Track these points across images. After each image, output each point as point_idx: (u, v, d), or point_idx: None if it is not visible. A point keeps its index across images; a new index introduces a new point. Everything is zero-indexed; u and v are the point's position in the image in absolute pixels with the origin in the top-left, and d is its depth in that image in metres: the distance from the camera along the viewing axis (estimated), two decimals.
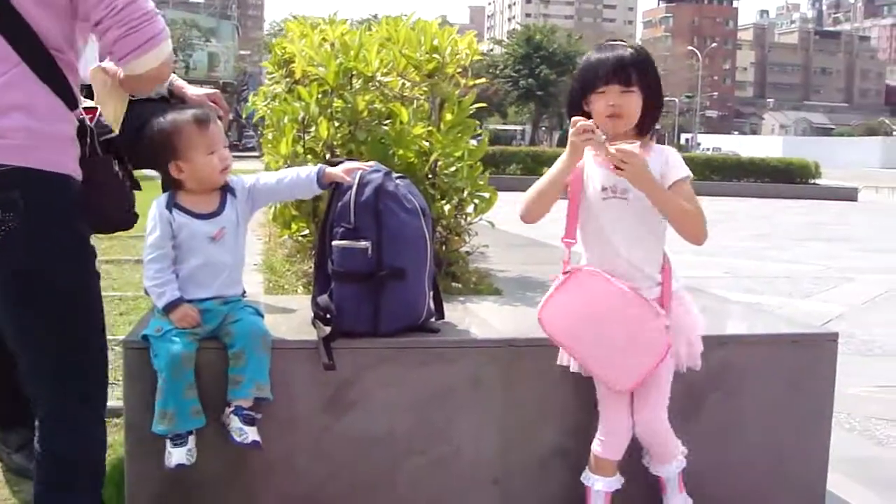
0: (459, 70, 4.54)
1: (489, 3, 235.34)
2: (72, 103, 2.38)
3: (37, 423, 2.59)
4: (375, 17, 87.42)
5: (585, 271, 2.91)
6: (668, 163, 2.83)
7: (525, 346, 3.12)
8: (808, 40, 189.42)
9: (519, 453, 3.14)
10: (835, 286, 10.53)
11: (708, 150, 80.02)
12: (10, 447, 3.65)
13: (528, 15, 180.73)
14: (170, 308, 2.88)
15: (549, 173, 2.92)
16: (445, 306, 3.36)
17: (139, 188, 2.75)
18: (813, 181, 34.12)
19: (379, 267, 3.01)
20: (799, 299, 9.42)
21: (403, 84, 4.30)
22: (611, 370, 2.86)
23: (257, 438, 2.81)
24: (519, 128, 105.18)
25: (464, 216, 4.41)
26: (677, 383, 3.01)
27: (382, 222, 3.02)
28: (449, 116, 4.39)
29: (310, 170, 3.15)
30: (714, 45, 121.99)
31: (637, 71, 2.86)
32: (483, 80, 4.63)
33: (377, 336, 3.05)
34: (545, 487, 3.16)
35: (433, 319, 3.24)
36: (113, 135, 2.64)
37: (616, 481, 2.98)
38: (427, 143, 4.15)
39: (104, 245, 9.68)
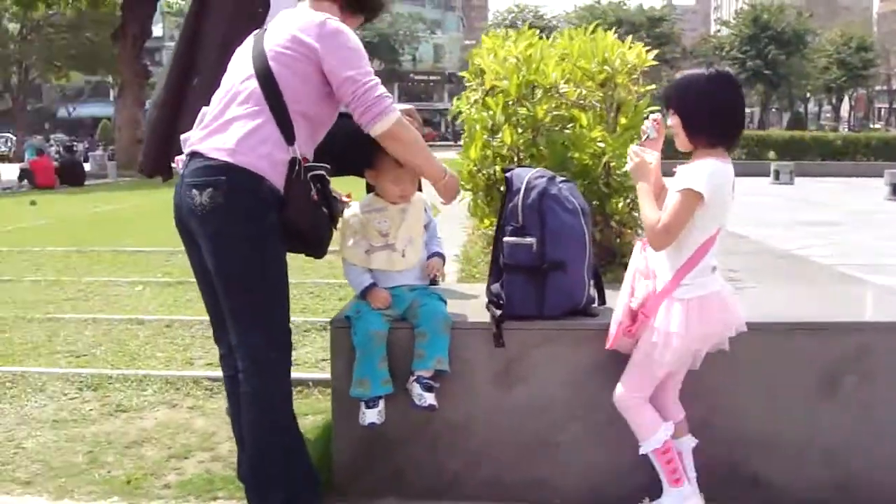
0: (634, 77, 4.95)
1: None
2: (290, 139, 3.12)
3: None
4: (599, 2, 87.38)
5: None
6: (689, 173, 3.14)
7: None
8: None
9: None
10: None
11: None
12: None
13: None
14: (366, 292, 3.51)
15: (650, 203, 3.28)
16: (612, 293, 3.78)
17: (335, 224, 3.36)
18: None
19: (542, 260, 3.49)
20: None
21: (580, 92, 4.75)
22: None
23: (434, 403, 3.38)
24: (748, 111, 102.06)
25: (637, 211, 4.82)
26: (812, 365, 3.39)
27: (546, 221, 3.50)
28: (623, 120, 4.82)
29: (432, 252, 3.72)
30: None
31: (669, 99, 3.29)
32: (654, 86, 4.99)
33: (542, 319, 3.55)
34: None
35: (595, 304, 3.71)
36: (324, 174, 3.27)
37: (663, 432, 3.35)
38: (601, 146, 4.58)
39: None
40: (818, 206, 18.78)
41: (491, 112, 4.77)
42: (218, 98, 3.26)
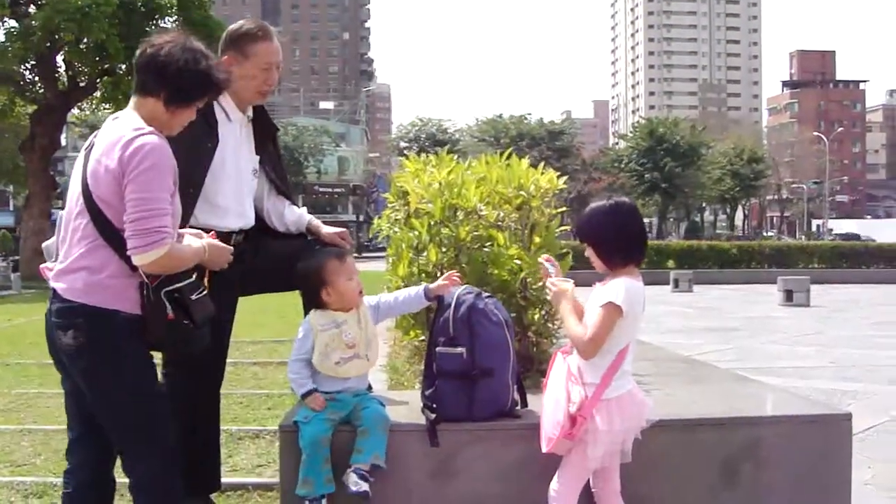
0: (547, 199, 5.45)
1: (613, 98, 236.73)
2: (133, 266, 3.30)
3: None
4: (500, 116, 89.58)
5: None
6: (608, 290, 3.59)
7: None
8: None
9: None
10: None
11: (839, 236, 78.44)
12: None
13: (651, 107, 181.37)
14: (305, 396, 3.89)
15: (574, 320, 3.71)
16: (532, 397, 4.19)
17: (197, 325, 3.47)
18: None
19: (472, 367, 3.90)
20: None
21: (498, 214, 5.21)
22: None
23: (367, 490, 3.67)
24: (646, 220, 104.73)
25: (552, 322, 5.26)
26: (713, 456, 3.86)
27: (475, 332, 3.93)
28: (538, 239, 5.29)
29: (418, 288, 4.20)
30: (841, 128, 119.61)
31: (581, 234, 3.78)
32: (564, 208, 5.51)
33: (472, 420, 3.95)
34: None
35: (518, 407, 4.12)
36: (181, 284, 3.42)
37: None
38: (518, 263, 5.03)
39: (250, 349, 10.85)
40: (716, 313, 19.59)
41: (416, 232, 5.19)
42: (63, 222, 3.46)
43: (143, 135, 3.27)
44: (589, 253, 3.76)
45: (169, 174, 3.31)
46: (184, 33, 3.54)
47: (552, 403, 3.69)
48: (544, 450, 3.71)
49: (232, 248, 3.80)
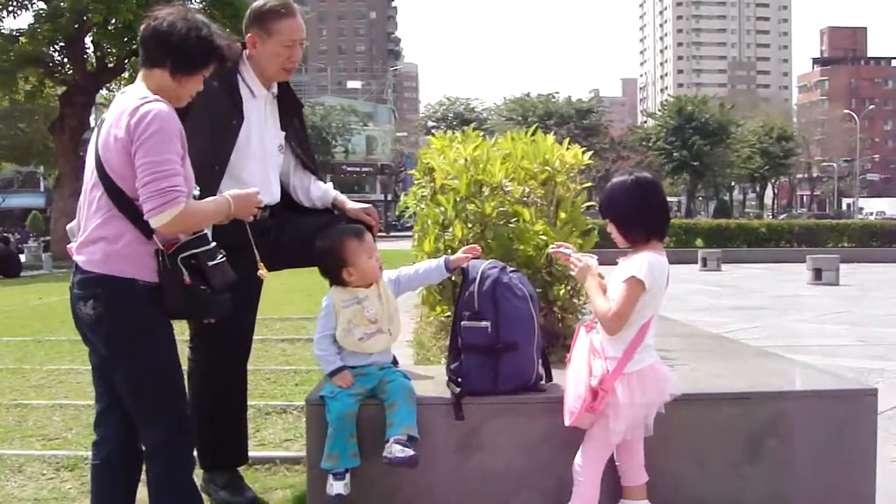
0: (572, 175, 5.44)
1: (641, 76, 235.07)
2: (147, 232, 3.36)
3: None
4: (528, 95, 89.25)
5: None
6: (631, 265, 3.63)
7: None
8: None
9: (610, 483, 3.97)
10: None
11: (871, 214, 77.75)
12: (218, 485, 4.64)
13: (680, 85, 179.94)
14: (334, 373, 3.91)
15: (600, 296, 3.74)
16: (557, 372, 4.21)
17: (214, 291, 3.47)
18: None
19: (497, 341, 3.92)
20: None
21: (523, 190, 5.22)
22: None
23: (415, 453, 3.67)
24: (674, 199, 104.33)
25: (577, 297, 5.27)
26: (737, 431, 3.90)
27: (499, 307, 3.94)
28: (563, 215, 5.29)
29: (438, 260, 4.22)
30: (872, 106, 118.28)
31: (603, 209, 3.82)
32: (590, 183, 5.51)
33: (497, 394, 3.97)
34: None
35: (542, 381, 4.13)
36: (196, 251, 3.45)
37: None
38: (543, 239, 5.04)
39: (278, 326, 10.94)
40: (744, 292, 19.49)
41: (442, 208, 5.21)
42: (81, 200, 3.54)
43: (148, 102, 3.36)
44: (611, 228, 3.79)
45: (176, 137, 3.37)
46: (184, 6, 3.65)
47: (574, 377, 3.73)
48: (567, 423, 3.74)
49: (258, 190, 3.81)
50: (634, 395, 3.61)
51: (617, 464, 3.86)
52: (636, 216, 3.74)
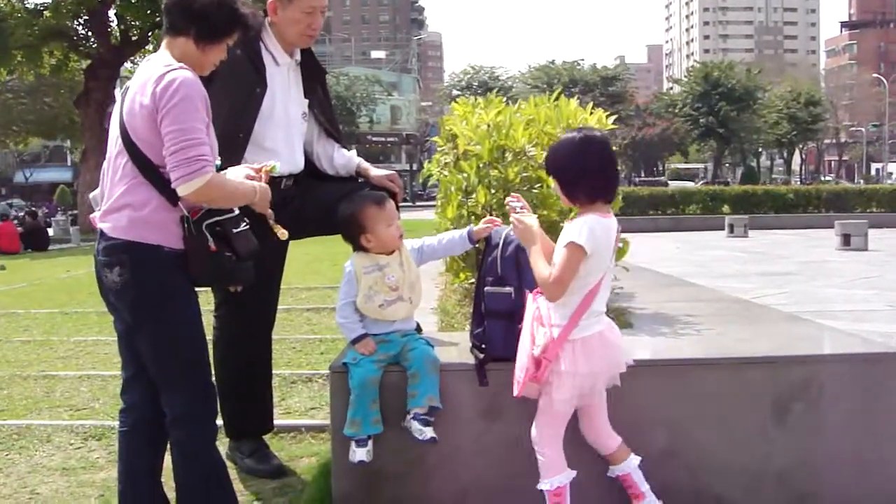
0: None
1: (667, 42, 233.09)
2: (172, 199, 3.36)
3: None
4: (553, 62, 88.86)
5: None
6: (572, 229, 3.46)
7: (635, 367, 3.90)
8: None
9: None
10: None
11: None
12: (244, 453, 4.67)
13: (706, 51, 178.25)
14: (356, 341, 3.91)
15: (540, 261, 3.60)
16: None
17: (239, 257, 3.48)
18: None
19: (520, 307, 3.89)
20: None
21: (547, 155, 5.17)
22: None
23: (434, 436, 3.73)
24: (701, 166, 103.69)
25: None
26: (764, 395, 3.86)
27: (522, 273, 3.91)
28: None
29: (462, 231, 4.17)
30: None
31: (546, 165, 3.73)
32: (615, 149, 5.45)
33: None
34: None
35: None
36: (221, 218, 3.45)
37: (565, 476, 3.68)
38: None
39: (304, 296, 10.97)
40: (772, 258, 19.37)
41: (465, 174, 5.17)
42: (105, 168, 3.53)
43: (173, 70, 3.34)
44: (554, 187, 3.67)
45: (202, 105, 3.36)
46: None
47: (521, 346, 3.65)
48: (515, 394, 3.66)
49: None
50: (578, 363, 3.49)
51: (586, 438, 3.79)
52: (580, 175, 3.54)
